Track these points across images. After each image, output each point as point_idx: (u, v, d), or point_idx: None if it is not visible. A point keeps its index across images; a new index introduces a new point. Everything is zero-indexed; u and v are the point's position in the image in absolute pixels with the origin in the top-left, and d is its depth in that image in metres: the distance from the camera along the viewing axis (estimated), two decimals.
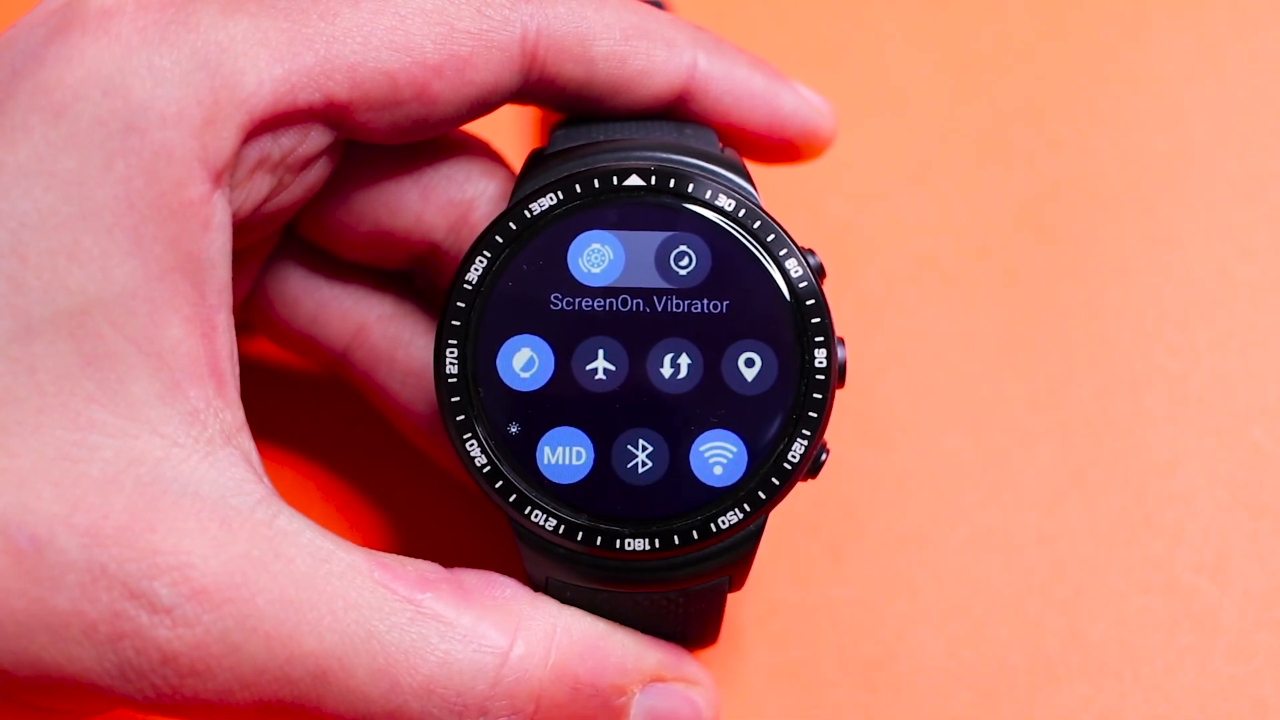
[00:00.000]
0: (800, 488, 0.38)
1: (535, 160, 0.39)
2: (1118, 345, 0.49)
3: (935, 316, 0.50)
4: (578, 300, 0.37)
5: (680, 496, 0.37)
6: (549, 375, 0.37)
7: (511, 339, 0.37)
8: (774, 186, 0.47)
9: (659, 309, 0.37)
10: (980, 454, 0.48)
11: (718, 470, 0.37)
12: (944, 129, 0.52)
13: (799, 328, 0.37)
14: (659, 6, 0.42)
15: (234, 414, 0.35)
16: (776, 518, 0.38)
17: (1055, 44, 0.53)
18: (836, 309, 0.38)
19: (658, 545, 0.37)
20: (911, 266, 0.50)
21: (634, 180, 0.37)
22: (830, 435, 0.38)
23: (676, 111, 0.40)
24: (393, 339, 0.42)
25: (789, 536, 0.47)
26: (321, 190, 0.39)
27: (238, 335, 0.37)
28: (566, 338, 0.37)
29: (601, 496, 0.37)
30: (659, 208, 0.37)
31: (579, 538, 0.37)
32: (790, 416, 0.37)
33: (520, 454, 0.37)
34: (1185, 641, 0.46)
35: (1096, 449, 0.48)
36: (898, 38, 0.53)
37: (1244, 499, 0.48)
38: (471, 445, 0.37)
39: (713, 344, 0.37)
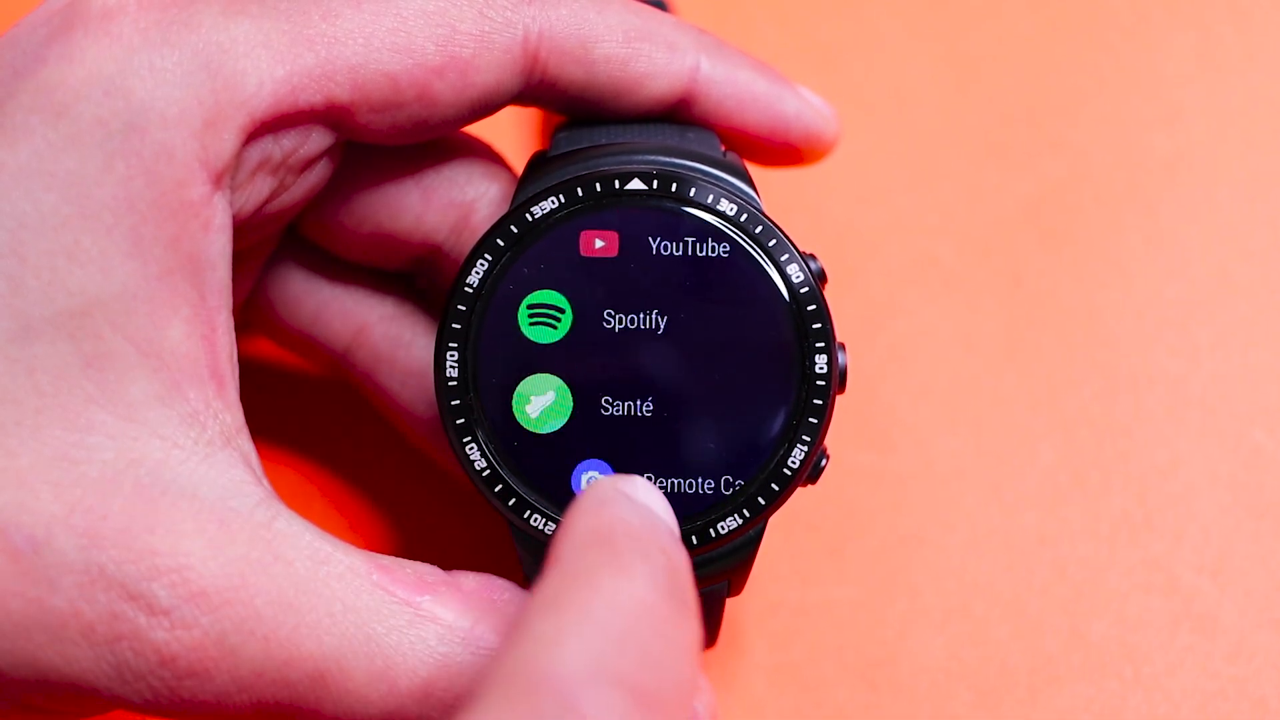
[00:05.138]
0: (801, 489, 0.38)
1: (537, 163, 0.39)
2: (1119, 346, 0.49)
3: (936, 317, 0.50)
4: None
5: (680, 500, 0.37)
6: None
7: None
8: (775, 188, 0.47)
9: (660, 313, 0.37)
10: (981, 455, 0.48)
11: (718, 474, 0.37)
12: (944, 130, 0.52)
13: (800, 333, 0.37)
14: (661, 8, 0.42)
15: (233, 415, 0.35)
16: (777, 518, 0.38)
17: (1055, 44, 0.53)
18: (837, 310, 0.38)
19: None
20: (912, 267, 0.50)
21: (636, 184, 0.37)
22: (831, 435, 0.38)
23: (679, 114, 0.40)
24: (394, 340, 0.42)
25: (789, 537, 0.47)
26: (323, 191, 0.39)
27: (238, 336, 0.37)
28: None
29: None
30: (660, 212, 0.37)
31: None
32: (790, 422, 0.37)
33: (519, 456, 0.37)
34: (1185, 641, 0.46)
35: (1097, 450, 0.48)
36: (898, 38, 0.53)
37: (1245, 500, 0.48)
38: (471, 448, 0.37)
39: (713, 348, 0.37)
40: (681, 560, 0.32)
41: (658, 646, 0.29)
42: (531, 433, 0.37)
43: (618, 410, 0.37)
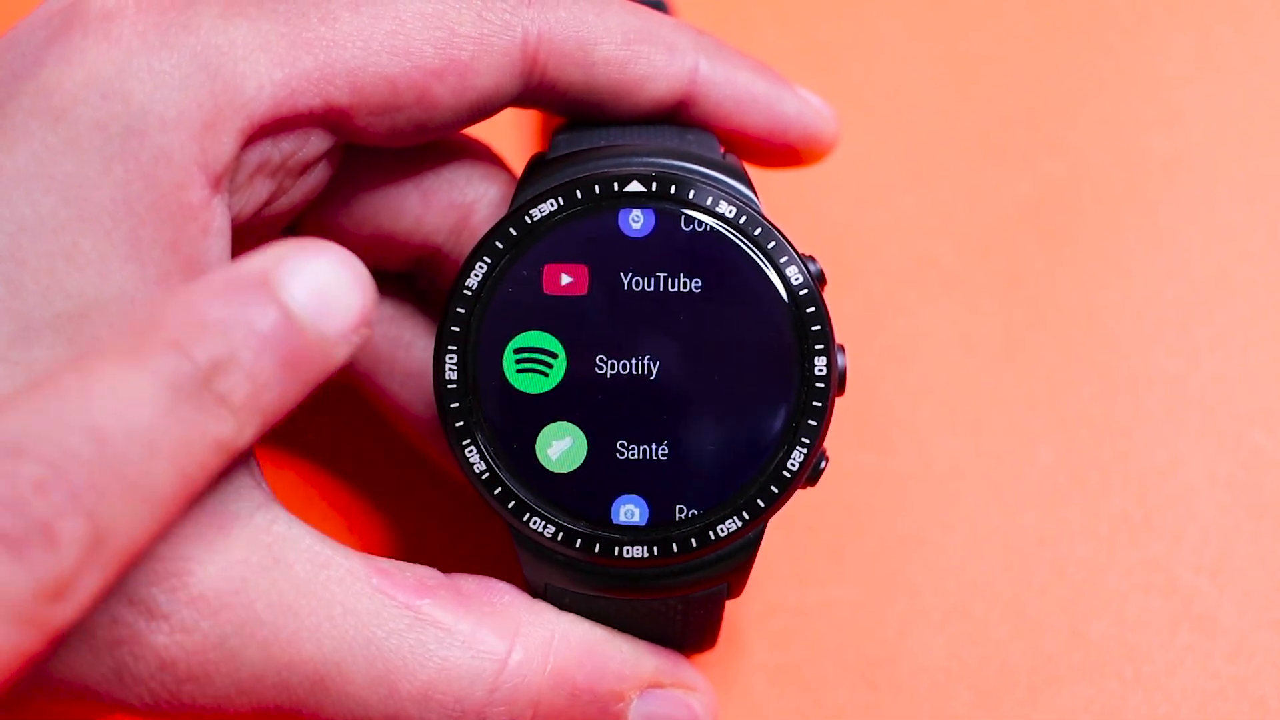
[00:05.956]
0: (800, 491, 0.38)
1: (536, 165, 0.39)
2: (1118, 346, 0.49)
3: (936, 317, 0.50)
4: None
5: (679, 501, 0.37)
6: (549, 381, 0.37)
7: (511, 345, 0.37)
8: (774, 189, 0.47)
9: (659, 315, 0.37)
10: (980, 455, 0.48)
11: (718, 477, 0.37)
12: (944, 130, 0.52)
13: (799, 335, 0.37)
14: (661, 9, 0.42)
15: None
16: (776, 519, 0.38)
17: (1055, 44, 0.52)
18: (836, 311, 0.38)
19: (656, 552, 0.37)
20: (911, 268, 0.50)
21: (635, 186, 0.37)
22: (831, 436, 0.38)
23: (678, 116, 0.40)
24: (393, 340, 0.42)
25: (789, 538, 0.47)
26: (322, 194, 0.39)
27: None
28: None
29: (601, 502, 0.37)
30: (660, 214, 0.37)
31: (578, 544, 0.37)
32: (790, 424, 0.37)
33: (519, 459, 0.37)
34: (1185, 641, 0.46)
35: (1097, 450, 0.48)
36: (898, 38, 0.53)
37: (1244, 500, 0.48)
38: (471, 451, 0.37)
39: (713, 350, 0.37)
40: None
41: None
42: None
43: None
